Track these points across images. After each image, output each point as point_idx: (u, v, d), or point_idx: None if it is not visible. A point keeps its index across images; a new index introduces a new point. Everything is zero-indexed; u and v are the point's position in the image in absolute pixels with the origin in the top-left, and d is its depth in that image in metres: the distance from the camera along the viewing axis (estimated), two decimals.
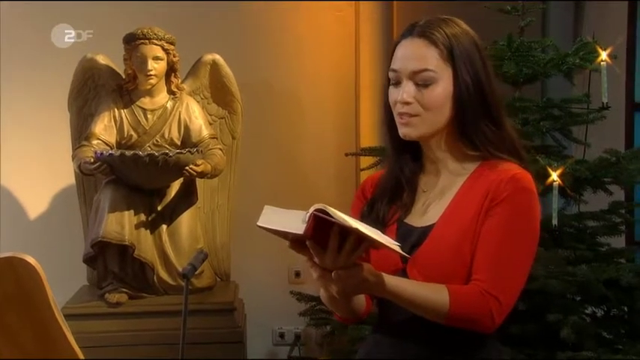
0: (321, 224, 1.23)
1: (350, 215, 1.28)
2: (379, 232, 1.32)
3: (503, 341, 1.53)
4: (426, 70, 1.42)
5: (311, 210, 1.23)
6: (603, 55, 2.53)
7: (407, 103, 1.43)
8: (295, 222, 1.25)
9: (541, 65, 2.64)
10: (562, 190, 2.49)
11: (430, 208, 1.48)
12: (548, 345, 2.37)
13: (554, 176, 2.41)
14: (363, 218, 1.48)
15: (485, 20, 2.88)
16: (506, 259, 1.39)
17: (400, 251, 1.33)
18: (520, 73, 2.66)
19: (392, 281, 1.35)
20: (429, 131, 1.45)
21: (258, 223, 1.28)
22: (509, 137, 1.48)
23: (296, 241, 1.30)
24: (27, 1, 3.45)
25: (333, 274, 1.29)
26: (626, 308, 2.55)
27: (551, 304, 2.37)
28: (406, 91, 1.43)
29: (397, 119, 1.46)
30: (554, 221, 2.45)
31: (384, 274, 1.34)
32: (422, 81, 1.43)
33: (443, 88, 1.43)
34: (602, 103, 2.56)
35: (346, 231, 1.24)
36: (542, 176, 2.45)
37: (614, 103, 2.61)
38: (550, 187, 2.44)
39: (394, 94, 1.46)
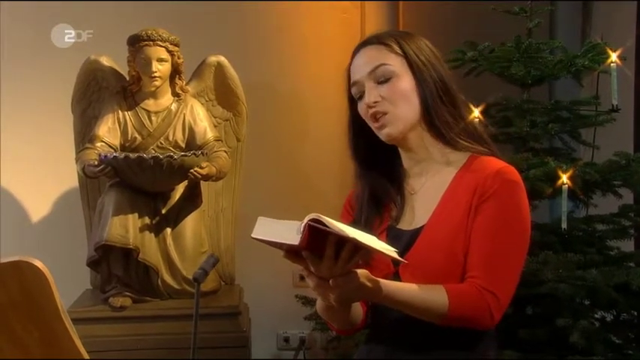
0: (316, 234, 1.23)
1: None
2: (375, 238, 1.33)
3: (503, 344, 1.53)
4: (381, 64, 1.48)
5: (305, 220, 1.23)
6: (613, 56, 2.52)
7: (376, 102, 1.47)
8: (290, 232, 1.26)
9: (549, 67, 2.64)
10: (571, 193, 2.49)
11: (418, 210, 1.50)
12: (557, 350, 2.36)
13: (564, 178, 2.40)
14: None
15: (492, 22, 2.90)
16: (500, 255, 1.40)
17: (397, 257, 1.33)
18: (528, 74, 2.66)
19: (389, 286, 1.35)
20: (406, 126, 1.48)
21: (253, 235, 1.29)
22: (471, 126, 1.53)
23: (291, 251, 1.30)
24: (27, 1, 3.46)
25: (330, 281, 1.29)
26: (636, 313, 2.54)
27: (561, 309, 2.36)
28: (371, 93, 1.48)
29: (374, 127, 1.50)
30: (564, 225, 2.45)
31: (381, 279, 1.35)
32: (382, 76, 1.48)
33: (403, 80, 1.48)
34: (612, 105, 2.55)
35: (342, 239, 1.24)
36: (550, 179, 2.45)
37: (624, 105, 2.60)
38: (558, 190, 2.43)
39: (362, 105, 1.50)
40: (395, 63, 1.48)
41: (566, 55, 2.67)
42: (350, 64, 1.55)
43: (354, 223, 1.52)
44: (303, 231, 1.23)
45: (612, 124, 2.63)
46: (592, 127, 2.71)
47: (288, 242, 1.25)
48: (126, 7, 3.45)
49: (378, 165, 1.56)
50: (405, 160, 1.55)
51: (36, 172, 3.53)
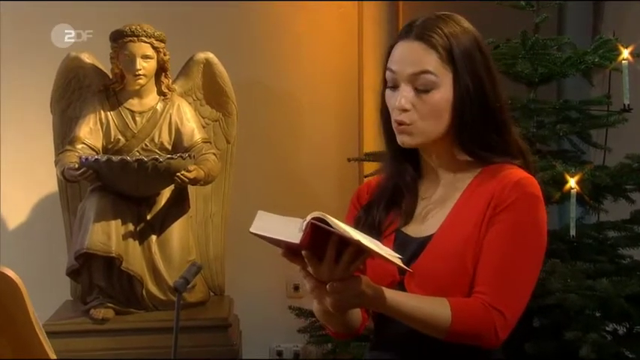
0: (318, 233, 1.22)
1: (346, 223, 1.28)
2: (379, 243, 1.32)
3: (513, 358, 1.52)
4: (425, 71, 1.42)
5: (308, 218, 1.22)
6: (625, 53, 2.52)
7: (404, 110, 1.43)
8: (291, 230, 1.24)
9: (558, 64, 2.63)
10: (580, 199, 2.48)
11: (429, 218, 1.49)
12: None
13: (572, 183, 2.40)
14: (358, 223, 1.49)
15: (497, 17, 2.90)
16: (512, 271, 1.38)
17: (401, 264, 1.32)
18: (535, 72, 2.65)
19: (390, 295, 1.34)
20: (427, 140, 1.45)
21: (251, 230, 1.27)
22: (515, 143, 1.49)
23: (290, 250, 1.29)
24: (27, 1, 3.50)
25: (328, 286, 1.28)
26: None
27: (570, 321, 2.35)
28: (404, 96, 1.43)
29: (394, 126, 1.46)
30: (572, 232, 2.45)
31: (382, 287, 1.34)
32: (422, 85, 1.43)
33: (443, 93, 1.43)
34: (624, 104, 2.55)
35: (345, 241, 1.23)
36: (559, 183, 2.45)
37: (636, 104, 2.60)
38: (567, 194, 2.43)
39: (391, 98, 1.46)
40: (440, 73, 1.42)
41: (576, 51, 2.67)
42: (395, 44, 1.47)
43: (365, 210, 1.53)
44: (305, 229, 1.22)
45: (624, 125, 2.63)
46: (603, 128, 2.71)
47: (288, 240, 1.24)
48: (126, 6, 3.47)
49: (408, 157, 1.53)
50: (423, 163, 1.53)
51: (13, 175, 3.53)
